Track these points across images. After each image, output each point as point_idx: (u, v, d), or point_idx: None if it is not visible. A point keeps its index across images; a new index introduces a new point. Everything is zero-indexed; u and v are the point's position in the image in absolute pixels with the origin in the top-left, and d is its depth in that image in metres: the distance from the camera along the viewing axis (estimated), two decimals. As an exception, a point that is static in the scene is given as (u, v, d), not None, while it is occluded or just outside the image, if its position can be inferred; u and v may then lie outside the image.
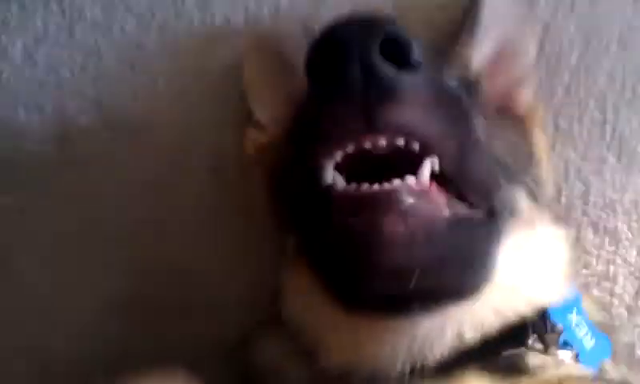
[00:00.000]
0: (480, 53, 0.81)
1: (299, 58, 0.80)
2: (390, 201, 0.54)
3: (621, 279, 0.90)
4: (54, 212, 0.94)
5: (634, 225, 0.90)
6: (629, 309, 0.90)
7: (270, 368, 0.74)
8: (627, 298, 0.90)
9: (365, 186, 0.55)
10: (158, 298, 0.93)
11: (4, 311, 0.95)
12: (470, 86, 0.74)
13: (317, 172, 0.57)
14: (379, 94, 0.53)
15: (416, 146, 0.56)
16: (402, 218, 0.54)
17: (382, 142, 0.55)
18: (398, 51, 0.52)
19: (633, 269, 0.91)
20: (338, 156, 0.56)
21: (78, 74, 0.94)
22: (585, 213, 0.91)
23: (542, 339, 0.67)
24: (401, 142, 0.55)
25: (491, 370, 0.63)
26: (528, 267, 0.69)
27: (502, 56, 0.83)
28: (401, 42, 0.52)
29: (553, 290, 0.70)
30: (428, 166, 0.56)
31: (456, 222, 0.58)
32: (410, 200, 0.54)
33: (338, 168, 0.57)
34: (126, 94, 0.93)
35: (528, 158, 0.78)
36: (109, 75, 0.94)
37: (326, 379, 0.67)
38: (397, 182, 0.55)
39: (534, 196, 0.73)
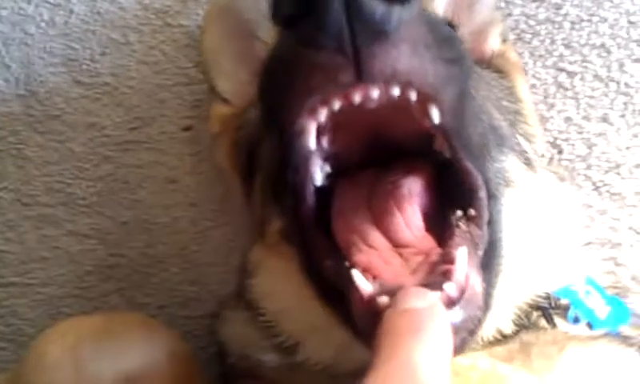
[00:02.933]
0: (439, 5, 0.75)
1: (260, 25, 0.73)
2: None
3: (625, 247, 0.83)
4: (19, 174, 0.89)
5: (641, 189, 0.84)
6: (634, 278, 0.83)
7: (239, 352, 0.68)
8: (632, 268, 0.83)
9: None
10: (129, 259, 0.87)
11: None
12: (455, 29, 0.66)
13: (295, 138, 0.49)
14: (368, 34, 0.44)
15: (413, 96, 0.48)
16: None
17: (374, 93, 0.47)
18: None
19: (638, 236, 0.84)
20: (322, 115, 0.47)
21: (45, 28, 0.89)
22: (587, 176, 0.84)
23: (546, 316, 0.61)
24: (396, 91, 0.47)
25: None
26: (535, 241, 0.63)
27: (460, 6, 0.77)
28: None
29: (564, 266, 0.65)
30: (464, 260, 0.49)
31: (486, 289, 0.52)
32: (458, 318, 0.47)
33: (320, 132, 0.49)
34: (95, 50, 0.89)
35: (515, 114, 0.71)
36: (78, 30, 0.89)
37: (306, 370, 0.61)
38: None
39: (527, 160, 0.66)
